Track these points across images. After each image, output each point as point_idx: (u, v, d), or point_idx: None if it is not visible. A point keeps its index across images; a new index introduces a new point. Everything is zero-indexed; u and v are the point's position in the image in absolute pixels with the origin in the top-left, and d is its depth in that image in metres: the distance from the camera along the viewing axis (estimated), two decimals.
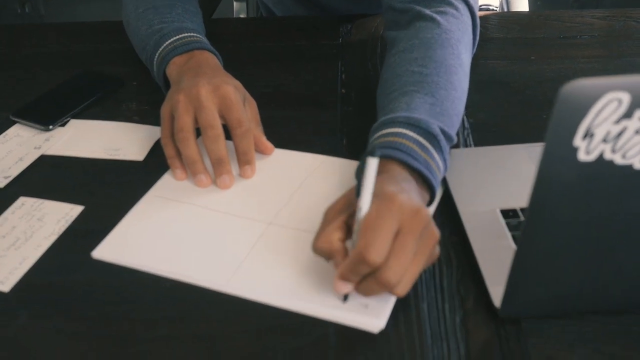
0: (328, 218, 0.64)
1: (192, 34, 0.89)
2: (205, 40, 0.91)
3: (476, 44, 0.88)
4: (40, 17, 1.96)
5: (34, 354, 0.60)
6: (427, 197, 0.69)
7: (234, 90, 0.79)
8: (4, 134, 0.89)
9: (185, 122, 0.77)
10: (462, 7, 0.85)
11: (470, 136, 0.85)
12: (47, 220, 0.74)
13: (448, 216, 0.73)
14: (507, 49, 0.91)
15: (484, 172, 0.77)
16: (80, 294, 0.66)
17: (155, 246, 0.70)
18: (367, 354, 0.59)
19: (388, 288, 0.59)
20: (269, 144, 0.82)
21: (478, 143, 0.84)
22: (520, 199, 0.72)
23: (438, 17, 0.83)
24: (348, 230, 0.63)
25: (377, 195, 0.61)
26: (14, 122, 0.90)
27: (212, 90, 0.78)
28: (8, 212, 0.75)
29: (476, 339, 0.60)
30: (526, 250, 0.55)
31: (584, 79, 0.47)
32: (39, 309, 0.64)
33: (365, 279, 0.60)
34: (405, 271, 0.59)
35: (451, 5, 0.85)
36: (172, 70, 0.87)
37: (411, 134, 0.69)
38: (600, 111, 0.48)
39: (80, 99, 0.94)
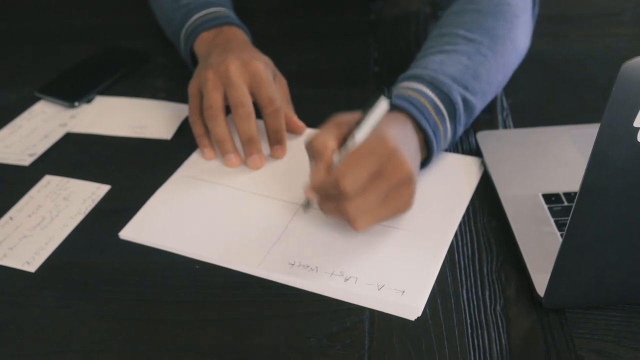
0: (331, 124, 0.65)
1: (219, 8, 0.87)
2: (233, 14, 0.88)
3: (534, 21, 0.86)
4: None
5: (60, 334, 0.59)
6: (421, 159, 0.70)
7: (264, 66, 0.76)
8: (29, 110, 0.87)
9: (215, 99, 0.74)
10: None
11: (510, 117, 0.81)
12: (73, 199, 0.72)
13: (488, 200, 0.70)
14: (546, 27, 0.87)
15: (525, 154, 0.74)
16: (107, 274, 0.64)
17: (183, 227, 0.68)
18: (405, 342, 0.57)
19: (345, 218, 0.62)
20: (300, 123, 0.80)
21: (517, 124, 0.80)
22: (563, 183, 0.70)
23: None
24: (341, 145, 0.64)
25: (375, 132, 0.62)
26: (39, 98, 0.89)
27: (241, 66, 0.75)
28: (34, 191, 0.74)
29: (518, 328, 0.58)
30: (575, 236, 0.52)
31: None
32: (65, 289, 0.63)
33: (328, 199, 0.63)
34: (367, 209, 0.61)
35: None
36: (199, 45, 0.84)
37: (431, 94, 0.70)
38: None
39: (106, 75, 0.92)
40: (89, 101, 0.88)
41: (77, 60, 0.95)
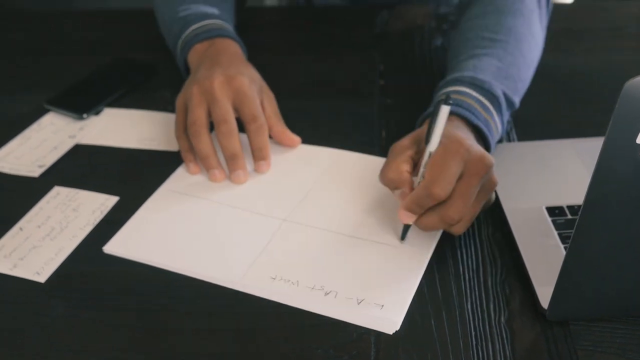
0: (395, 152, 0.67)
1: (215, 20, 0.88)
2: (228, 27, 0.89)
3: (549, 16, 0.88)
4: (70, 2, 1.95)
5: (69, 344, 0.60)
6: None
7: (248, 82, 0.77)
8: (38, 122, 0.88)
9: (198, 115, 0.75)
10: None
11: (514, 130, 0.82)
12: (82, 210, 0.73)
13: (492, 213, 0.70)
14: (551, 40, 0.88)
15: (528, 167, 0.75)
16: (116, 285, 0.65)
17: (167, 241, 0.69)
18: (410, 353, 0.57)
19: (448, 225, 0.63)
20: (294, 137, 0.80)
21: (522, 138, 0.81)
22: (566, 196, 0.70)
23: None
24: (414, 165, 0.67)
25: (446, 136, 0.64)
26: (48, 110, 0.90)
27: (225, 82, 0.76)
28: (43, 202, 0.75)
29: (522, 340, 0.58)
30: (578, 249, 0.53)
31: None
32: (74, 300, 0.64)
33: (428, 214, 0.64)
34: (466, 212, 0.62)
35: None
36: (192, 57, 0.86)
37: (474, 93, 0.72)
38: None
39: (115, 88, 0.93)
40: (97, 113, 0.89)
41: (85, 73, 0.96)
